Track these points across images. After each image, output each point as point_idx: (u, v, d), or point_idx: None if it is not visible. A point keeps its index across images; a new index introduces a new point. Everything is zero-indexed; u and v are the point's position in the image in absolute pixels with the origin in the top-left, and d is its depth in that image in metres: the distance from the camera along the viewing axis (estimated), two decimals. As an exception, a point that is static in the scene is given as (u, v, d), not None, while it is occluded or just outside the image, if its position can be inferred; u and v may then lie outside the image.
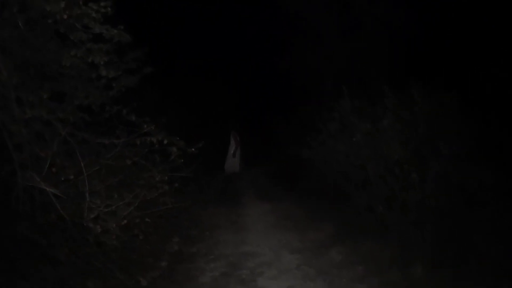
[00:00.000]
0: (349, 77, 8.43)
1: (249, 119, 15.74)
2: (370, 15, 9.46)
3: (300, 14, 10.42)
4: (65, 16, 3.32)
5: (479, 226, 5.10)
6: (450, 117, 5.90)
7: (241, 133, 13.01)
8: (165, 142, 4.64)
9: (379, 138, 6.05)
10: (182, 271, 4.24)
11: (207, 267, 4.34)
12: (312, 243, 5.12)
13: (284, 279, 3.96)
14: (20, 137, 3.37)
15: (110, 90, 4.68)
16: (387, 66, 8.47)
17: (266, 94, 15.18)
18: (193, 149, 4.79)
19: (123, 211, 3.80)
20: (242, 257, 4.61)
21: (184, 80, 12.04)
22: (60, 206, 3.27)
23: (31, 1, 3.10)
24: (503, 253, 4.16)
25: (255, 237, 5.40)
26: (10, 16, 3.20)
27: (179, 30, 13.00)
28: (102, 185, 3.91)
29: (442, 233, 5.08)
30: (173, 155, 4.77)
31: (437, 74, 6.80)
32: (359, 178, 6.36)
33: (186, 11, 12.98)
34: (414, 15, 8.62)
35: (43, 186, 3.32)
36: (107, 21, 3.80)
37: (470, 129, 5.70)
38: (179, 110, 10.53)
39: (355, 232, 5.47)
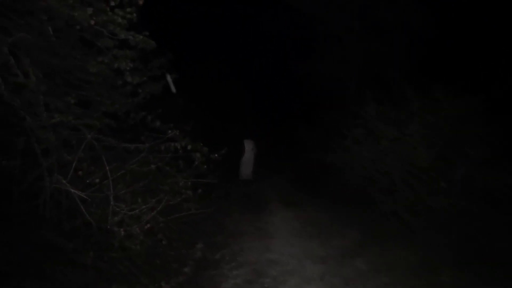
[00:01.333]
0: (371, 80, 8.25)
1: (271, 125, 15.64)
2: (392, 16, 9.25)
3: (321, 17, 10.31)
4: (92, 22, 3.36)
5: (506, 230, 4.88)
6: (476, 120, 5.70)
7: (257, 140, 12.81)
8: (189, 148, 4.66)
9: (405, 144, 5.89)
10: (206, 278, 4.20)
11: (230, 274, 4.28)
12: (337, 251, 4.98)
13: (307, 289, 3.86)
14: (48, 142, 3.42)
15: (135, 97, 4.76)
16: (410, 69, 8.24)
17: (289, 99, 15.05)
18: (216, 155, 4.78)
19: (146, 215, 3.79)
20: (266, 265, 4.53)
21: (206, 86, 12.11)
22: (85, 211, 3.29)
23: (58, 9, 3.15)
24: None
25: (279, 244, 5.31)
26: (38, 24, 3.27)
27: (201, 36, 13.12)
28: (126, 190, 3.93)
29: (469, 238, 4.88)
30: (197, 161, 4.77)
31: (462, 77, 6.57)
32: (384, 184, 6.20)
33: (207, 16, 13.10)
34: (436, 16, 8.39)
35: (69, 188, 3.37)
36: (131, 28, 3.83)
37: (496, 132, 5.49)
38: (202, 116, 10.59)
39: (380, 238, 5.32)
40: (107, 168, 3.44)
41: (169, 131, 4.52)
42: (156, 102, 4.94)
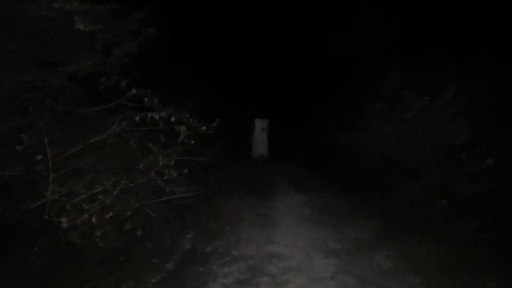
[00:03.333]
0: (398, 45, 7.13)
1: (282, 104, 14.71)
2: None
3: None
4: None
5: None
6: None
7: (268, 119, 12.11)
8: (173, 120, 3.87)
9: (439, 116, 4.92)
10: (189, 276, 3.43)
11: (220, 272, 3.50)
12: (353, 244, 4.13)
13: (314, 293, 3.04)
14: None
15: (108, 56, 3.98)
16: (446, 31, 7.08)
17: (301, 76, 14.02)
18: (204, 128, 3.98)
19: (108, 200, 3.03)
20: (265, 260, 3.73)
21: (214, 63, 11.29)
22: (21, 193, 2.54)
23: None
24: None
25: (283, 234, 4.49)
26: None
27: (208, 13, 12.18)
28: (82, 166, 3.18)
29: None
30: (183, 135, 3.98)
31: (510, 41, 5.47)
32: (410, 165, 5.27)
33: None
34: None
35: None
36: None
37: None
38: (208, 95, 9.82)
39: (406, 230, 4.43)
40: (46, 140, 2.64)
41: (146, 99, 3.73)
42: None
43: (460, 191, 4.49)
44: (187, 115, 3.97)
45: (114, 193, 3.04)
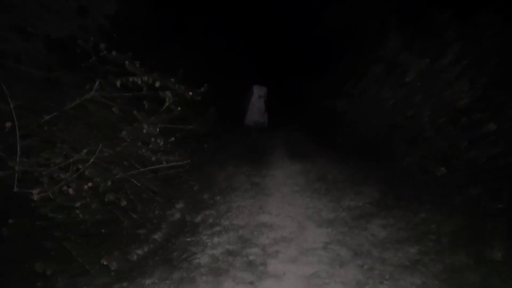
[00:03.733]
0: (396, 4, 6.68)
1: (278, 70, 14.29)
2: None
3: None
4: None
5: None
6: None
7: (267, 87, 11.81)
8: (157, 85, 3.63)
9: (439, 79, 4.65)
10: (176, 247, 3.32)
11: (209, 242, 3.39)
12: (348, 213, 3.99)
13: (303, 263, 2.91)
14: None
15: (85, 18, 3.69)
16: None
17: (297, 41, 13.51)
18: (190, 93, 3.74)
19: (88, 170, 2.85)
20: (256, 230, 3.61)
21: (208, 33, 10.82)
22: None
23: None
24: None
25: (276, 203, 4.36)
26: None
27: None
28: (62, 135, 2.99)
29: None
30: (168, 101, 3.76)
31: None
32: (410, 131, 5.06)
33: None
34: None
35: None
36: None
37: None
38: (201, 63, 9.46)
39: (405, 198, 4.28)
40: (11, 106, 2.42)
41: (126, 62, 3.47)
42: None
43: (460, 158, 4.30)
44: (173, 79, 3.72)
45: (91, 161, 2.85)
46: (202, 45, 9.78)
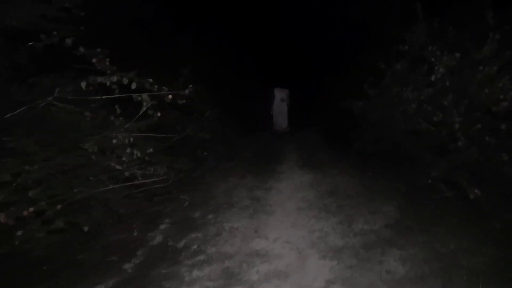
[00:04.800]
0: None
1: (295, 71, 13.59)
2: None
3: None
4: None
5: None
6: None
7: (287, 89, 11.33)
8: (134, 87, 3.10)
9: (473, 77, 3.91)
10: (150, 281, 2.75)
11: (187, 277, 2.80)
12: (360, 239, 3.32)
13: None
14: None
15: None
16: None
17: (314, 39, 12.74)
18: (170, 96, 3.18)
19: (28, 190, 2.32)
20: (246, 261, 2.99)
21: (221, 31, 10.35)
22: None
23: None
24: None
25: (276, 225, 3.73)
26: None
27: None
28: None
29: None
30: (145, 105, 3.22)
31: None
32: (437, 138, 4.32)
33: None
34: None
35: None
36: None
37: None
38: (213, 62, 8.95)
39: (430, 219, 3.57)
40: None
41: (94, 59, 2.95)
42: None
43: (497, 173, 3.55)
44: (151, 80, 3.17)
45: (40, 176, 2.33)
46: (210, 42, 9.29)
